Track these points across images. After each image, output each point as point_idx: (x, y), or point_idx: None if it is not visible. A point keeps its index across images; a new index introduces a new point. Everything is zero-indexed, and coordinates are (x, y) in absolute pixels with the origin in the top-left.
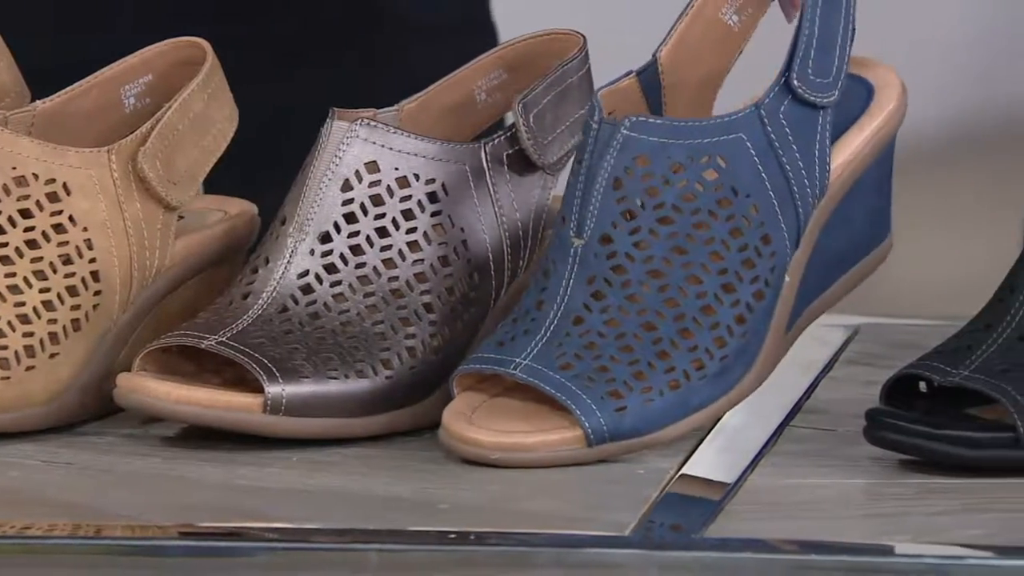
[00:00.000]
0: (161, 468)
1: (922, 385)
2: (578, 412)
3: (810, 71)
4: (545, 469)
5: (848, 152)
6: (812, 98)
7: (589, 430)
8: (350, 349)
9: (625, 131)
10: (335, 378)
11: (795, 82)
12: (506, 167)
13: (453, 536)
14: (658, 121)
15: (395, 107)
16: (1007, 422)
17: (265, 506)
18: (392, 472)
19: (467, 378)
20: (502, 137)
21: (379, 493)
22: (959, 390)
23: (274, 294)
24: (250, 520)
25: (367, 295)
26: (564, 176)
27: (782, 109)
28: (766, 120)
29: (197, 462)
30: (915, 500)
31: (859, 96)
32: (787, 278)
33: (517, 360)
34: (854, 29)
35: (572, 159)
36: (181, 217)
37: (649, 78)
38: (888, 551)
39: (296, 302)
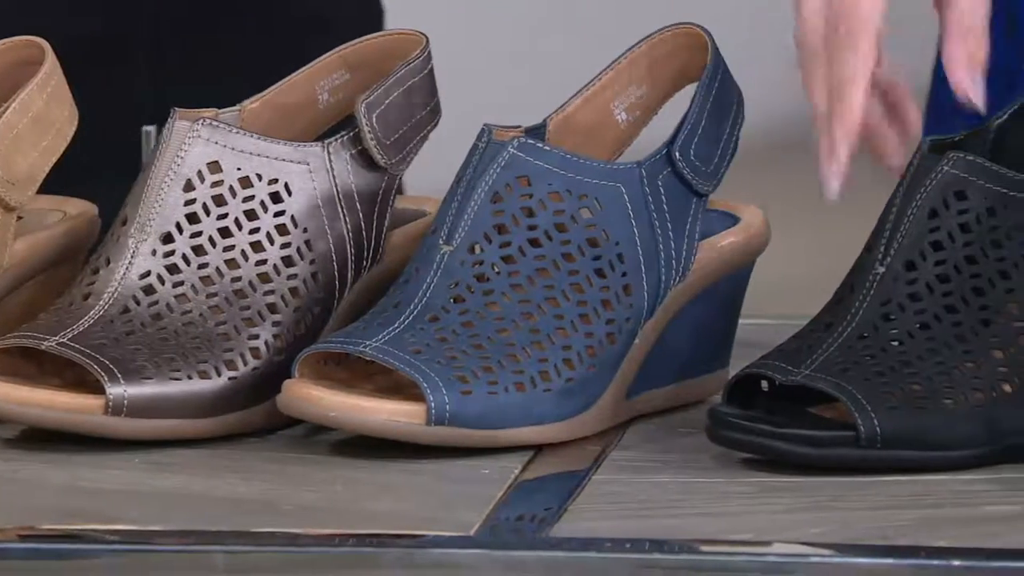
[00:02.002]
0: (1, 470)
1: (764, 384)
2: (424, 385)
3: (692, 152)
4: (389, 470)
5: (711, 251)
6: (689, 177)
7: (432, 404)
8: (193, 350)
9: (513, 150)
10: (178, 379)
11: (676, 154)
12: (350, 167)
13: (298, 537)
14: (546, 148)
15: (236, 107)
16: (848, 421)
17: (107, 508)
18: (236, 473)
19: (308, 369)
20: (345, 137)
21: (223, 495)
22: (801, 389)
23: (115, 295)
24: (92, 522)
25: (210, 295)
26: (410, 177)
27: (661, 177)
28: (645, 181)
29: (38, 464)
30: (757, 498)
31: (725, 222)
32: (636, 340)
33: (367, 342)
34: (735, 150)
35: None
36: (20, 217)
37: (534, 138)
38: (731, 549)
39: (138, 303)
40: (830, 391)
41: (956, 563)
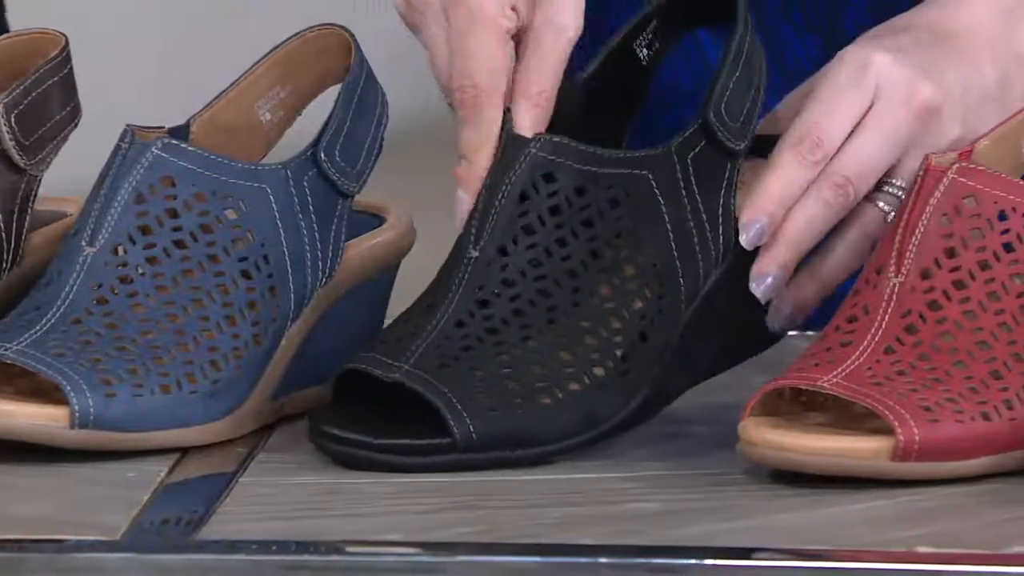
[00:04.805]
0: None
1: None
2: (67, 387)
3: (337, 154)
4: (31, 474)
5: (357, 251)
6: (335, 178)
7: (76, 407)
8: None
9: (156, 151)
10: None
11: (322, 155)
12: None
13: None
14: (190, 149)
15: None
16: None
17: None
18: None
19: None
20: None
21: None
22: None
23: None
24: None
25: None
26: (51, 178)
27: (307, 178)
28: (291, 182)
29: None
30: (403, 498)
31: (372, 223)
32: (283, 341)
33: (8, 345)
34: (379, 151)
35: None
36: None
37: (177, 139)
38: (378, 550)
39: None
40: (427, 395)
41: (603, 560)
